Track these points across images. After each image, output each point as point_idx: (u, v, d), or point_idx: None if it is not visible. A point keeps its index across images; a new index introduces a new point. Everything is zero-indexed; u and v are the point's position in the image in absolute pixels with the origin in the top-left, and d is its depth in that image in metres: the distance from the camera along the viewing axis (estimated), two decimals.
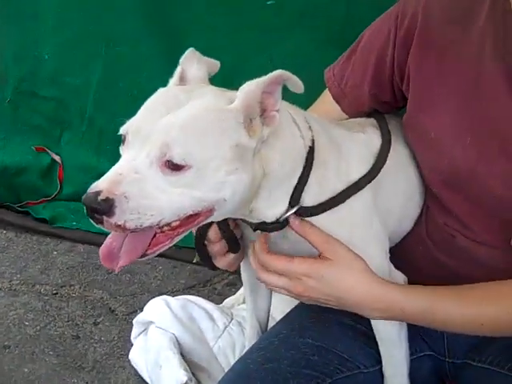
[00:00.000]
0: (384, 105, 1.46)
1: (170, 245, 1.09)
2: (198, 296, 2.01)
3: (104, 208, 0.97)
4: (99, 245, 2.27)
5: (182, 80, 1.17)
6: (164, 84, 2.17)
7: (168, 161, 1.00)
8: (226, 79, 2.12)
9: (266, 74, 2.15)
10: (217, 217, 1.12)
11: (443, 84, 1.32)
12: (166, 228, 1.06)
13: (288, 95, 1.40)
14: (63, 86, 2.45)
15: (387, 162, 1.35)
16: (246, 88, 1.08)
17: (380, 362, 1.42)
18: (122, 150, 1.06)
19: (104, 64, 2.37)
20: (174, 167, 1.00)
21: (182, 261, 2.25)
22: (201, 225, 1.13)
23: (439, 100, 1.33)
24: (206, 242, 1.33)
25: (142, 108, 1.09)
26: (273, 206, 1.19)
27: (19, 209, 2.56)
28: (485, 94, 1.27)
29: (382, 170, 1.34)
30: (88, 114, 2.47)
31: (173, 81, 1.18)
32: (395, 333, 1.37)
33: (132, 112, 2.25)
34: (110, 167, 2.48)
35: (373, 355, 1.42)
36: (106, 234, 2.21)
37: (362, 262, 1.26)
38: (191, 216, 1.07)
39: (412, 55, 1.33)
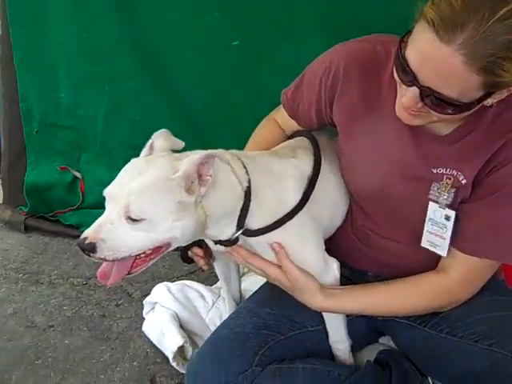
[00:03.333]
0: (328, 125, 1.65)
1: (147, 266, 1.38)
2: (199, 279, 2.26)
3: (89, 249, 1.27)
4: None
5: (151, 149, 1.42)
6: (154, 108, 2.51)
7: (128, 216, 1.27)
8: (207, 111, 2.44)
9: (241, 106, 2.46)
10: (174, 247, 1.37)
11: (359, 127, 1.54)
12: (142, 255, 1.34)
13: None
14: (78, 118, 2.69)
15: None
16: (187, 163, 1.31)
17: (322, 322, 1.65)
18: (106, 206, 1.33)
19: (109, 97, 2.61)
20: (133, 220, 1.28)
21: None
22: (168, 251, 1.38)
23: (356, 138, 1.55)
24: (189, 254, 1.63)
25: (118, 175, 1.34)
26: (223, 231, 1.44)
27: (51, 218, 2.79)
28: (389, 133, 1.49)
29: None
30: (100, 138, 2.72)
31: (144, 150, 1.43)
32: None
33: (135, 133, 2.61)
34: None
35: (317, 317, 1.65)
36: None
37: (312, 283, 1.50)
38: (156, 248, 1.34)
39: (336, 100, 1.55)
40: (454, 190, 1.44)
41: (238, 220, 1.44)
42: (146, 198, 1.28)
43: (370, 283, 1.59)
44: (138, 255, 1.34)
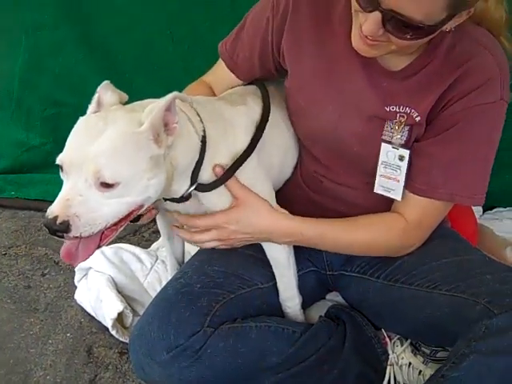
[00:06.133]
0: (271, 74, 1.62)
1: (116, 234, 1.29)
2: (130, 243, 2.16)
3: (62, 229, 1.16)
4: (38, 210, 2.50)
5: (99, 104, 1.31)
6: (78, 61, 2.38)
7: (102, 182, 1.18)
8: (135, 63, 2.34)
9: (172, 57, 2.36)
10: (145, 208, 1.30)
11: (309, 64, 1.50)
12: (110, 225, 1.24)
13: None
14: None
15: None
16: (151, 113, 1.23)
17: (273, 279, 1.63)
18: (62, 176, 1.21)
19: (25, 49, 2.43)
20: (108, 185, 1.18)
21: None
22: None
23: (306, 76, 1.51)
24: None
25: (70, 138, 1.23)
26: (181, 187, 1.38)
27: None
28: (342, 71, 1.47)
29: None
30: (15, 95, 2.54)
31: (92, 106, 1.31)
32: (285, 257, 1.60)
33: (57, 89, 2.44)
34: (39, 141, 2.69)
35: (267, 275, 1.63)
36: (43, 200, 2.44)
37: (266, 203, 1.49)
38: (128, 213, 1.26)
39: (285, 39, 1.52)
40: (407, 128, 1.43)
41: (192, 174, 1.38)
42: (118, 158, 1.19)
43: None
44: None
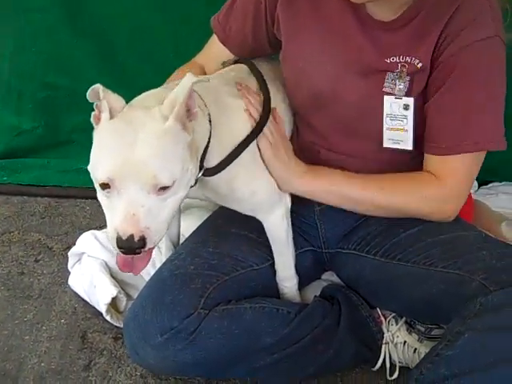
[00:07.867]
0: (263, 47, 1.63)
1: None
2: None
3: (141, 245, 1.14)
4: (31, 195, 2.45)
5: (111, 111, 1.20)
6: (70, 43, 2.32)
7: (161, 187, 1.16)
8: (128, 46, 2.29)
9: (160, 31, 2.29)
10: None
11: (305, 23, 1.52)
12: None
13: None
14: None
15: None
16: (175, 102, 1.17)
17: (268, 260, 1.64)
18: (110, 192, 1.15)
19: (14, 32, 2.38)
20: (166, 187, 1.16)
21: None
22: None
23: (304, 36, 1.53)
24: None
25: (105, 152, 1.16)
26: (196, 172, 1.32)
27: None
28: (338, 30, 1.48)
29: None
30: (6, 78, 2.47)
31: (106, 114, 1.18)
32: (283, 234, 1.60)
33: (47, 72, 2.41)
34: (31, 125, 2.62)
35: (262, 256, 1.64)
36: (36, 185, 2.38)
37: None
38: None
39: (280, 4, 1.52)
40: (408, 78, 1.43)
41: (201, 159, 1.34)
42: (165, 158, 1.16)
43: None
44: None
